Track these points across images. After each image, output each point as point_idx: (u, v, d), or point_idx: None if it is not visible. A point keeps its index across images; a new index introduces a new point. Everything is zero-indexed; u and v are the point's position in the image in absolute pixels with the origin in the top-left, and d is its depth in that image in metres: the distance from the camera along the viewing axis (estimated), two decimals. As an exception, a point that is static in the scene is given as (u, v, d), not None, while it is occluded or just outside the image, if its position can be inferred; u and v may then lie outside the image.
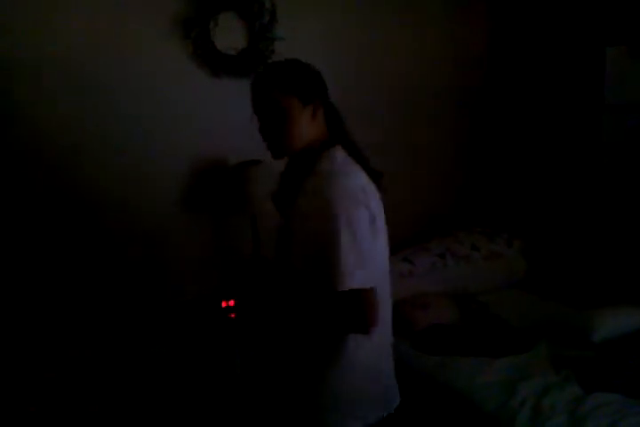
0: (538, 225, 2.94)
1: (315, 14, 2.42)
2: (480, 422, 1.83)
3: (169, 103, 2.20)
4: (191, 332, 2.26)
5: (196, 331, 2.25)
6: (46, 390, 1.95)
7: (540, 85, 2.87)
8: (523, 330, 2.25)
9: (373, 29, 2.61)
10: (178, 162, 2.26)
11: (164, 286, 2.30)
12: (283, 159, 1.44)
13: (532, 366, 2.01)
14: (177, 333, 2.25)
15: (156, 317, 2.26)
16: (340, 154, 1.26)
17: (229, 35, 2.22)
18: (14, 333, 1.96)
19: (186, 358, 2.23)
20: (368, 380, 1.32)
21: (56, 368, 1.98)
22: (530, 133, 2.97)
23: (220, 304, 2.23)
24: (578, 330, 2.13)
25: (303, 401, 1.34)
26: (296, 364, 1.34)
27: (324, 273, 1.17)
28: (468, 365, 2.05)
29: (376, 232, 1.22)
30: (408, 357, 2.13)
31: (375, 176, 1.29)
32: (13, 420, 1.83)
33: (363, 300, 1.17)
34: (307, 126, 1.25)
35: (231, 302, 2.22)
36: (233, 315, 2.22)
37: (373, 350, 1.33)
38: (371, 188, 1.25)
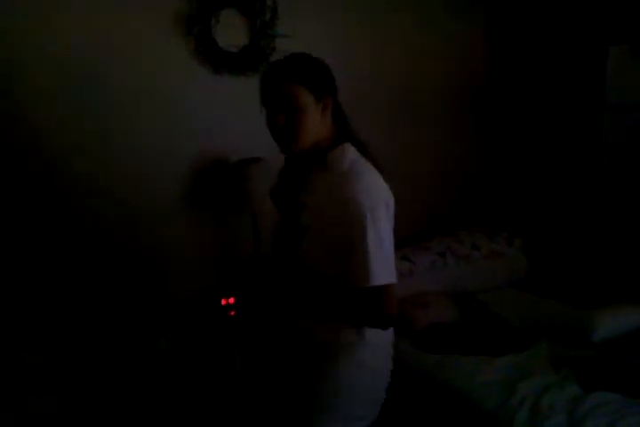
0: (538, 224, 2.94)
1: (316, 12, 2.41)
2: (479, 421, 1.83)
3: (170, 101, 2.19)
4: (191, 329, 2.26)
5: (196, 329, 2.25)
6: (46, 389, 1.94)
7: (541, 84, 2.87)
8: (522, 329, 2.25)
9: (375, 27, 2.61)
10: (178, 160, 2.26)
11: (163, 283, 2.30)
12: (282, 156, 1.44)
13: (531, 366, 2.01)
14: (176, 330, 2.25)
15: (156, 314, 2.26)
16: (351, 152, 1.26)
17: (231, 32, 2.21)
18: (14, 332, 1.96)
19: (185, 356, 2.23)
20: (371, 379, 1.33)
21: (55, 367, 1.98)
22: (531, 133, 2.96)
23: (220, 302, 2.23)
24: (578, 329, 2.13)
25: (306, 401, 1.34)
26: (300, 362, 1.34)
27: (349, 270, 1.18)
28: (467, 363, 2.05)
29: (391, 230, 1.24)
30: (408, 355, 2.14)
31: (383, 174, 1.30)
32: (13, 420, 1.83)
33: (386, 296, 1.18)
34: (318, 123, 1.24)
35: (231, 300, 2.22)
36: (233, 313, 2.23)
37: (378, 349, 1.33)
38: (385, 186, 1.26)
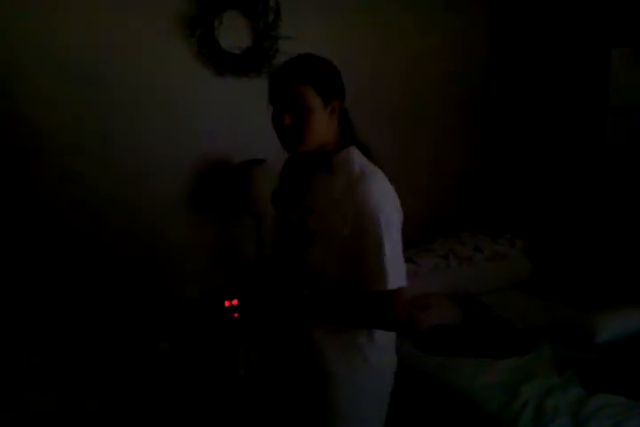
0: (541, 226, 2.94)
1: (319, 13, 2.41)
2: (482, 424, 1.83)
3: (172, 102, 2.19)
4: (193, 332, 2.25)
5: (199, 331, 2.25)
6: (46, 389, 1.94)
7: (544, 86, 2.87)
8: (525, 331, 2.25)
9: (376, 28, 2.61)
10: (181, 161, 2.26)
11: (166, 285, 2.29)
12: (285, 157, 1.44)
13: (534, 368, 2.01)
14: (179, 332, 2.25)
15: (158, 316, 2.26)
16: (357, 155, 1.26)
17: (234, 33, 2.21)
18: (15, 332, 1.96)
19: (188, 358, 2.23)
20: (377, 381, 1.33)
21: (56, 367, 1.98)
22: (534, 134, 2.96)
23: (224, 304, 2.22)
24: (581, 331, 2.13)
25: (313, 403, 1.33)
26: (308, 365, 1.33)
27: (362, 273, 1.18)
28: (470, 365, 2.05)
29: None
30: (411, 357, 2.13)
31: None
32: (13, 420, 1.83)
33: (398, 299, 1.19)
34: (325, 125, 1.24)
35: (234, 302, 2.22)
36: (236, 314, 2.22)
37: (384, 350, 1.33)
38: (393, 189, 1.26)
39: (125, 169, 2.14)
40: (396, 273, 1.17)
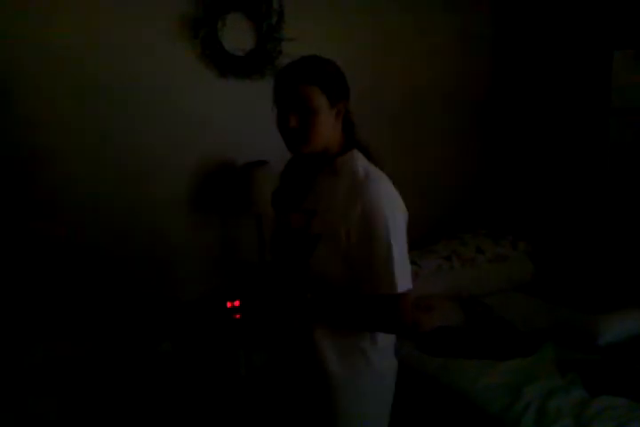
0: (543, 228, 2.94)
1: (322, 15, 2.42)
2: (484, 425, 1.83)
3: (174, 103, 2.19)
4: (196, 332, 2.25)
5: (201, 331, 2.25)
6: (46, 390, 1.94)
7: (546, 88, 2.87)
8: (528, 333, 2.25)
9: (378, 29, 2.62)
10: (182, 162, 2.26)
11: (168, 285, 2.30)
12: (287, 159, 1.44)
13: (537, 369, 2.00)
14: (181, 333, 2.25)
15: (161, 317, 2.26)
16: (361, 159, 1.26)
17: (237, 35, 2.22)
18: (16, 332, 1.96)
19: (190, 359, 2.23)
20: (379, 381, 1.32)
21: (56, 367, 1.98)
22: (536, 136, 2.96)
23: (226, 305, 2.23)
24: (584, 333, 2.13)
25: (317, 405, 1.33)
26: (312, 368, 1.32)
27: (370, 277, 1.18)
28: (472, 367, 2.04)
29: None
30: (412, 358, 2.13)
31: None
32: (13, 420, 1.83)
33: (405, 303, 1.19)
34: (331, 127, 1.23)
35: (236, 303, 2.22)
36: (238, 316, 2.22)
37: (385, 352, 1.33)
38: (397, 191, 1.26)
39: (125, 169, 2.15)
40: (403, 276, 1.17)
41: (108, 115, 2.08)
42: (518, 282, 2.70)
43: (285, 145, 1.25)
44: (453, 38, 2.86)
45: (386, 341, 1.32)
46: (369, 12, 2.56)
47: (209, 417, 2.18)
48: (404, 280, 1.17)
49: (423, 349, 2.20)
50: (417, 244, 2.71)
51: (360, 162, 1.25)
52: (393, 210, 1.19)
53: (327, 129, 1.22)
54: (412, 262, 2.51)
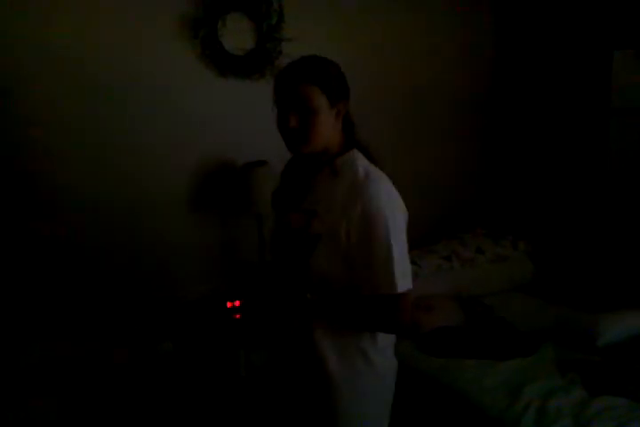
0: (544, 228, 2.94)
1: (322, 15, 2.43)
2: (484, 425, 1.82)
3: (174, 102, 2.20)
4: (196, 332, 2.25)
5: (202, 331, 2.25)
6: (46, 390, 1.94)
7: (546, 88, 2.87)
8: (528, 333, 2.24)
9: (381, 30, 2.63)
10: (182, 162, 2.27)
11: (169, 285, 2.30)
12: (287, 159, 1.44)
13: (537, 369, 2.00)
14: (182, 333, 2.25)
15: (162, 317, 2.26)
16: (361, 159, 1.26)
17: (237, 35, 2.23)
18: (16, 332, 1.96)
19: (190, 359, 2.23)
20: (380, 381, 1.32)
21: (57, 367, 1.98)
22: (536, 136, 2.97)
23: (226, 305, 2.23)
24: (584, 334, 2.13)
25: (318, 405, 1.32)
26: (313, 369, 1.32)
27: (370, 277, 1.18)
28: (472, 367, 2.04)
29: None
30: (413, 358, 2.13)
31: None
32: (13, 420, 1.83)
33: (405, 302, 1.19)
34: (331, 127, 1.23)
35: (236, 303, 2.22)
36: (238, 316, 2.22)
37: (385, 352, 1.33)
38: (397, 191, 1.26)
39: (125, 169, 2.15)
40: (403, 276, 1.17)
41: (107, 115, 2.08)
42: (518, 282, 2.71)
43: (285, 145, 1.25)
44: (453, 38, 2.86)
45: (386, 341, 1.32)
46: (369, 12, 2.57)
47: (209, 417, 2.18)
48: (404, 280, 1.17)
49: (423, 349, 2.20)
50: (417, 244, 2.70)
51: (360, 162, 1.25)
52: (393, 210, 1.19)
53: (327, 129, 1.22)
54: (412, 262, 2.51)
